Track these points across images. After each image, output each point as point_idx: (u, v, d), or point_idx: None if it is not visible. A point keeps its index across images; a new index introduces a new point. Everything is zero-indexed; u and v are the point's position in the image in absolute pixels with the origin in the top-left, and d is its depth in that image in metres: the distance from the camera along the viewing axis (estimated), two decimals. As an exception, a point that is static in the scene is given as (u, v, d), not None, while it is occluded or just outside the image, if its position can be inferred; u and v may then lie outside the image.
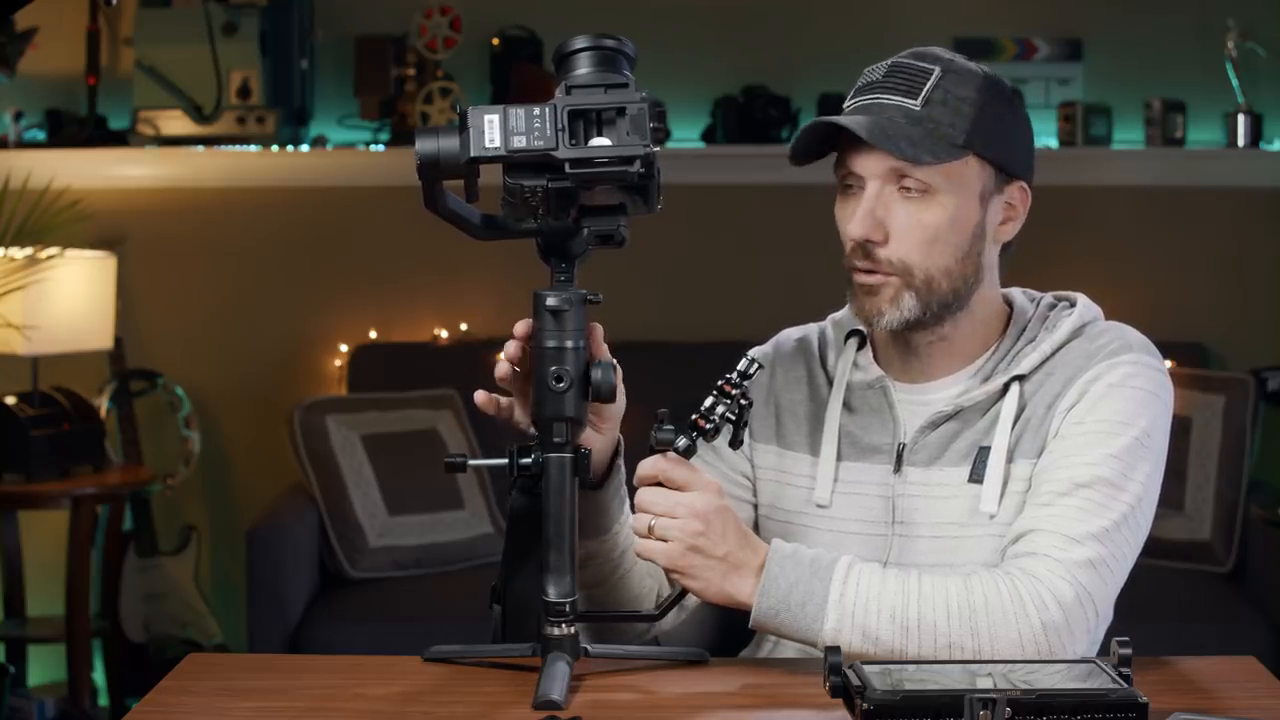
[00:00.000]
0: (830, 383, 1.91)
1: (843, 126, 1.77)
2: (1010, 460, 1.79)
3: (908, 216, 1.78)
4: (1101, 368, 1.78)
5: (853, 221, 1.79)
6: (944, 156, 1.76)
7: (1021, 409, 1.80)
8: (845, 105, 1.83)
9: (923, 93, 1.77)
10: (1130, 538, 1.73)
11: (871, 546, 1.84)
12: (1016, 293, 1.90)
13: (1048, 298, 1.90)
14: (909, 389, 1.87)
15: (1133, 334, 1.84)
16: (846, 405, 1.89)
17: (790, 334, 2.00)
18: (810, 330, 1.98)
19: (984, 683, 1.52)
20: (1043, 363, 1.82)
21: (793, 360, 1.96)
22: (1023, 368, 1.81)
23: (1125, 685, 1.51)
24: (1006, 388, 1.82)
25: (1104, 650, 1.69)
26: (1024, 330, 1.86)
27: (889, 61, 1.81)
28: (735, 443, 1.74)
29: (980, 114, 1.77)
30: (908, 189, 1.78)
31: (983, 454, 1.80)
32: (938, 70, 1.78)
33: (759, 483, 1.96)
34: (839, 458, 1.88)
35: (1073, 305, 1.87)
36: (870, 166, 1.78)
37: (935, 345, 1.85)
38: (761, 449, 1.95)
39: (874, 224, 1.78)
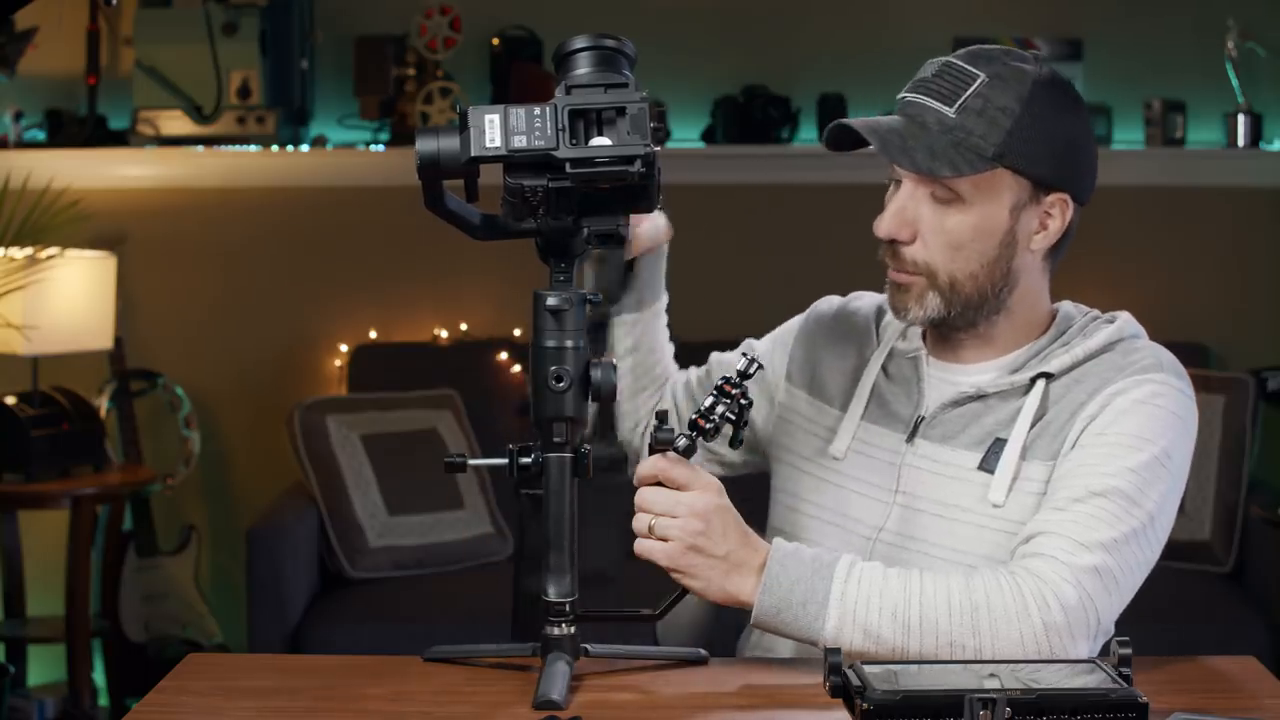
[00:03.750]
0: (879, 343, 1.95)
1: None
2: (1023, 457, 1.80)
3: (934, 221, 1.80)
4: (1129, 382, 1.79)
5: (881, 220, 1.82)
6: (967, 169, 1.76)
7: (1044, 411, 1.81)
8: (899, 96, 1.84)
9: (960, 100, 1.77)
10: (1139, 554, 1.73)
11: (873, 510, 1.86)
12: (1067, 303, 1.92)
13: (1095, 311, 1.91)
14: (941, 366, 1.89)
15: (1167, 356, 1.84)
16: (884, 370, 1.92)
17: (861, 295, 2.04)
18: (881, 296, 2.00)
19: (984, 682, 1.52)
20: (1073, 367, 1.82)
21: (851, 319, 2.00)
22: (1052, 366, 1.82)
23: (1125, 685, 1.51)
24: (1033, 384, 1.82)
25: (1104, 650, 1.69)
26: (1063, 334, 1.87)
27: (943, 59, 1.81)
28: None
29: (1019, 125, 1.76)
30: (937, 195, 1.79)
31: (997, 445, 1.81)
32: (983, 76, 1.77)
33: (781, 420, 2.00)
34: (864, 417, 1.90)
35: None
36: (903, 167, 1.80)
37: (969, 339, 1.88)
38: (794, 391, 1.99)
39: (901, 224, 1.81)
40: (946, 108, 1.77)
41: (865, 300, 2.03)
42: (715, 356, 2.10)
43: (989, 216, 1.79)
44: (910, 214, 1.80)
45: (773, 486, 2.01)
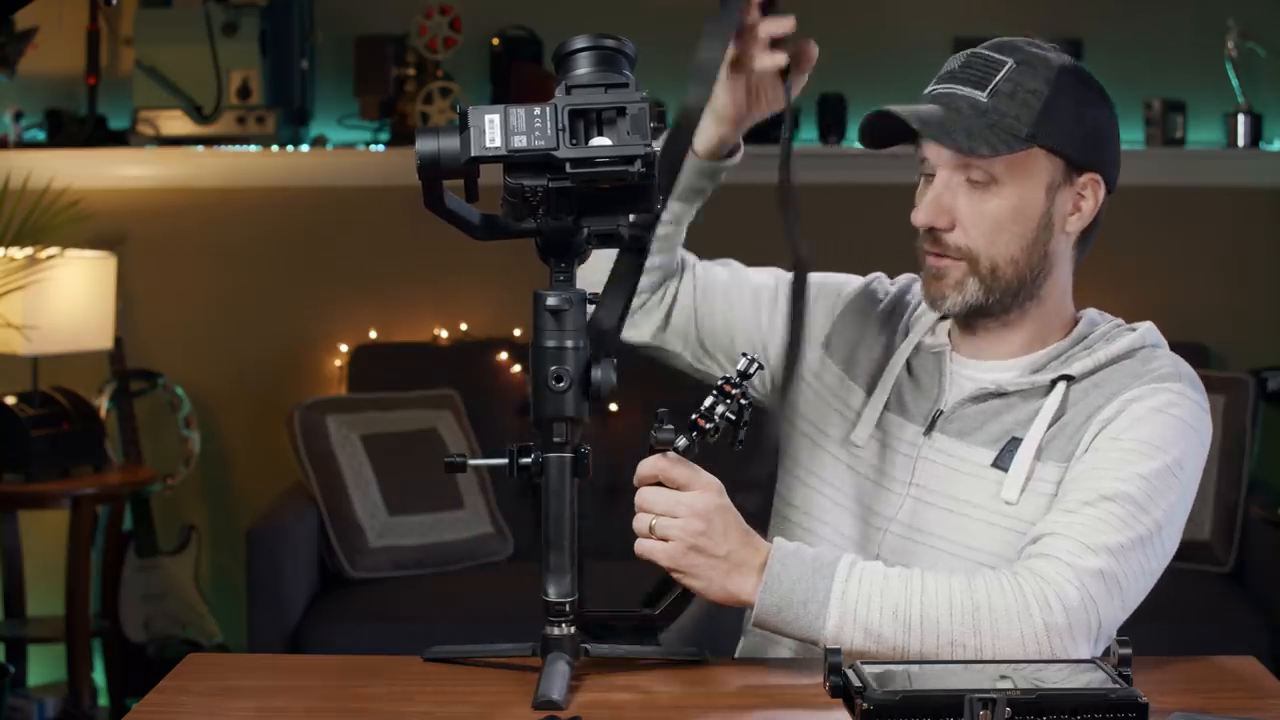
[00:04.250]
0: (907, 334, 1.95)
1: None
2: (1038, 457, 1.80)
3: (972, 205, 1.81)
4: (1145, 390, 1.79)
5: (919, 209, 1.83)
6: (1003, 149, 1.77)
7: (1062, 412, 1.81)
8: (925, 91, 1.85)
9: (991, 84, 1.79)
10: (1145, 562, 1.73)
11: (886, 500, 1.86)
12: (1092, 310, 1.92)
13: (1118, 320, 1.92)
14: (964, 362, 1.89)
15: (1186, 368, 1.84)
16: (908, 363, 1.92)
17: (911, 281, 2.01)
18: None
19: (984, 682, 1.52)
20: (1094, 371, 1.82)
21: (896, 307, 1.99)
22: (1074, 370, 1.82)
23: (1125, 685, 1.51)
24: (1053, 386, 1.82)
25: (1104, 650, 1.69)
26: (1085, 338, 1.87)
27: (968, 51, 1.84)
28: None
29: (1049, 106, 1.79)
30: (973, 179, 1.80)
31: (1013, 444, 1.81)
32: (1010, 62, 1.81)
33: (806, 387, 1.97)
34: (885, 406, 1.90)
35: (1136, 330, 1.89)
36: (938, 155, 1.81)
37: (996, 329, 1.87)
38: (828, 363, 1.97)
39: (939, 211, 1.81)
40: (978, 93, 1.79)
41: (915, 291, 2.00)
42: (742, 270, 2.04)
43: (1026, 197, 1.81)
44: (947, 202, 1.81)
45: (786, 454, 1.99)
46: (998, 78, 1.80)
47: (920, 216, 1.83)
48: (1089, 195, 1.85)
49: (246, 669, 1.81)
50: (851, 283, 2.03)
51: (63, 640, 4.10)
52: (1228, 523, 3.98)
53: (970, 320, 1.87)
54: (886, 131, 1.85)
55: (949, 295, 1.83)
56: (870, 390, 1.93)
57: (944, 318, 1.93)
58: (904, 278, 2.03)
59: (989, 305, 1.84)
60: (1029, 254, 1.82)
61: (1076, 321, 1.90)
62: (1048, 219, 1.83)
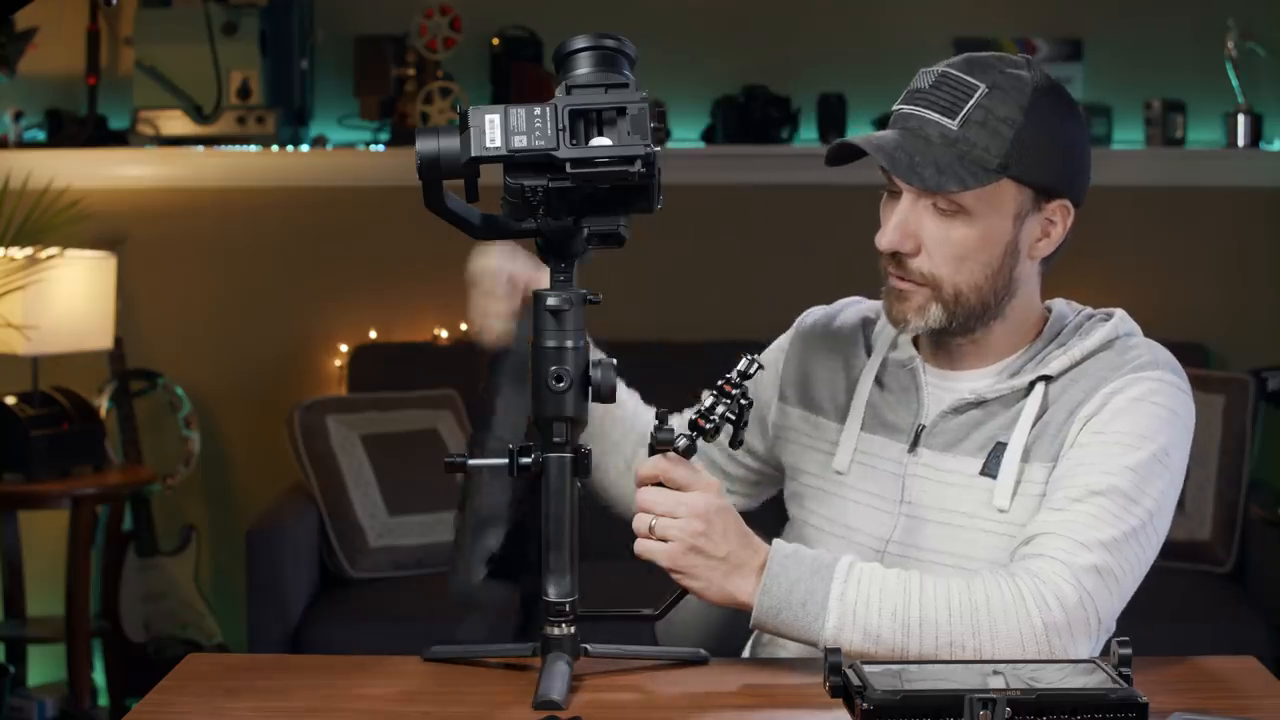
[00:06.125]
0: (870, 353, 1.93)
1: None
2: (1025, 460, 1.79)
3: (938, 232, 1.79)
4: (1126, 380, 1.78)
5: (883, 233, 1.80)
6: (973, 182, 1.75)
7: (1043, 411, 1.81)
8: (894, 106, 1.82)
9: (962, 113, 1.76)
10: (1139, 553, 1.73)
11: (879, 522, 1.86)
12: (1059, 302, 1.91)
13: (1088, 309, 1.91)
14: (938, 374, 1.89)
15: (1163, 353, 1.84)
16: (878, 380, 1.91)
17: (847, 304, 2.02)
18: (868, 304, 2.00)
19: (984, 682, 1.52)
20: (1071, 367, 1.82)
21: (839, 331, 1.98)
22: (1051, 369, 1.82)
23: (1125, 685, 1.51)
24: (1032, 387, 1.82)
25: (1104, 650, 1.69)
26: (1058, 335, 1.86)
27: (940, 69, 1.79)
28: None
29: (1021, 135, 1.76)
30: (940, 207, 1.78)
31: (998, 449, 1.81)
32: (983, 87, 1.76)
33: (779, 440, 1.98)
34: (862, 428, 1.89)
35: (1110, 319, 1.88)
36: (912, 185, 1.79)
37: (965, 346, 1.87)
38: (788, 410, 1.98)
39: (904, 236, 1.79)
40: (948, 120, 1.76)
41: (851, 311, 2.00)
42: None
43: (993, 227, 1.79)
44: (913, 226, 1.79)
45: (785, 502, 2.01)
46: (969, 104, 1.76)
47: (885, 240, 1.80)
48: (1058, 221, 1.83)
49: (246, 669, 1.81)
50: (782, 337, 2.05)
51: (63, 640, 4.10)
52: (1228, 523, 3.98)
53: (936, 337, 1.87)
54: (853, 150, 1.82)
55: (911, 319, 1.82)
56: (841, 418, 1.92)
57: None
58: (840, 303, 2.03)
59: (951, 328, 1.83)
60: (993, 281, 1.81)
61: (1045, 316, 1.90)
62: (1014, 247, 1.81)
